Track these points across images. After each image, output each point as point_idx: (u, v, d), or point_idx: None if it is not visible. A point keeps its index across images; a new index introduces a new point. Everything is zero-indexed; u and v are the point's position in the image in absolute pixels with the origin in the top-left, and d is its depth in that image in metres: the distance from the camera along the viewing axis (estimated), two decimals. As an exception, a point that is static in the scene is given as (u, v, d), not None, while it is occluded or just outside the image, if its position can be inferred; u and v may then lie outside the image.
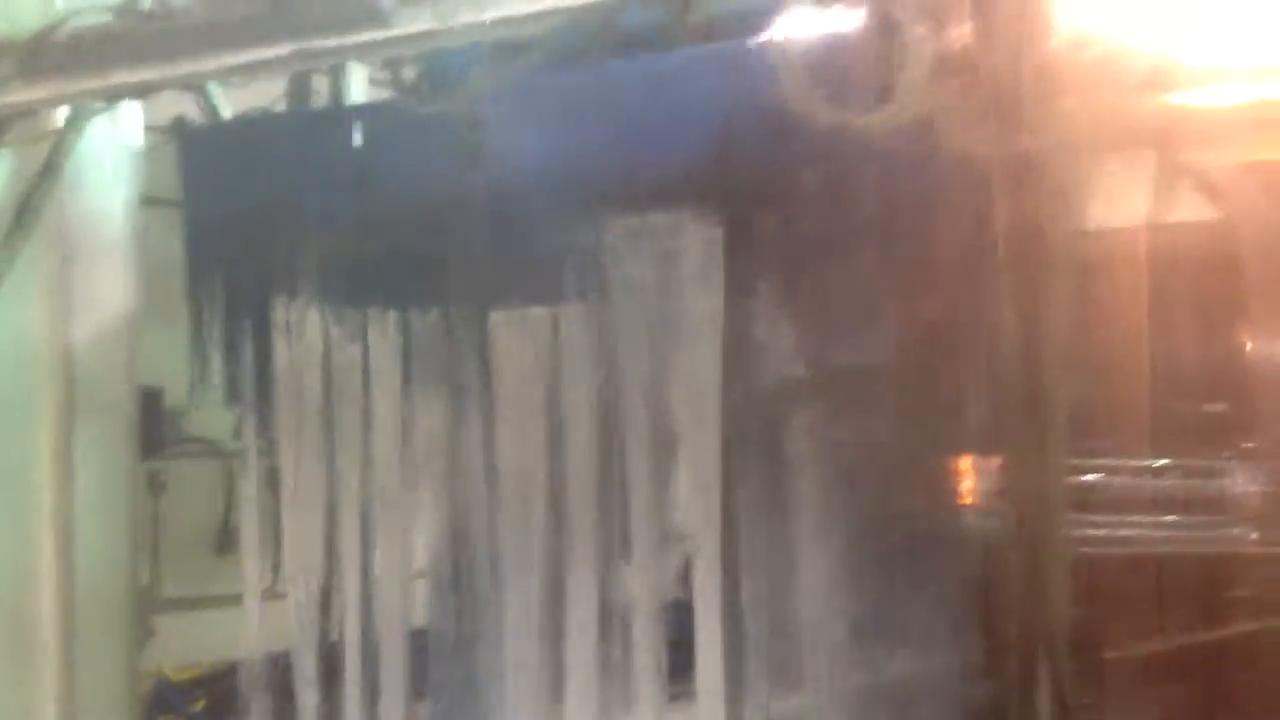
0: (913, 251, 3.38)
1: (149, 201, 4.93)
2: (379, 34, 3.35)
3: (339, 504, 4.30)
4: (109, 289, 4.78)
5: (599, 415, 3.84)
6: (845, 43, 2.91)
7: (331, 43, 3.40)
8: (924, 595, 3.67)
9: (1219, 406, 4.28)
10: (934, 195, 3.24)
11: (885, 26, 2.75)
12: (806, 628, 3.67)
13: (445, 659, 4.22)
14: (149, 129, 4.92)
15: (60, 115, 4.51)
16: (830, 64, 2.93)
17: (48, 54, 3.91)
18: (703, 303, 3.62)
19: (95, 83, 3.83)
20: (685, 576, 3.85)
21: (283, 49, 3.46)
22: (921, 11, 2.68)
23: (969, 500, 3.80)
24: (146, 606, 5.09)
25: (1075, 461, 3.69)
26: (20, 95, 3.99)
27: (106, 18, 4.00)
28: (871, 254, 3.42)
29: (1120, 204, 3.45)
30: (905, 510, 3.74)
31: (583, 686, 3.88)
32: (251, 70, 3.62)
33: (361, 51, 3.49)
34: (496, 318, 3.92)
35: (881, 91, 2.84)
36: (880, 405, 3.59)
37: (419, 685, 4.19)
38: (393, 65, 4.27)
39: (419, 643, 4.26)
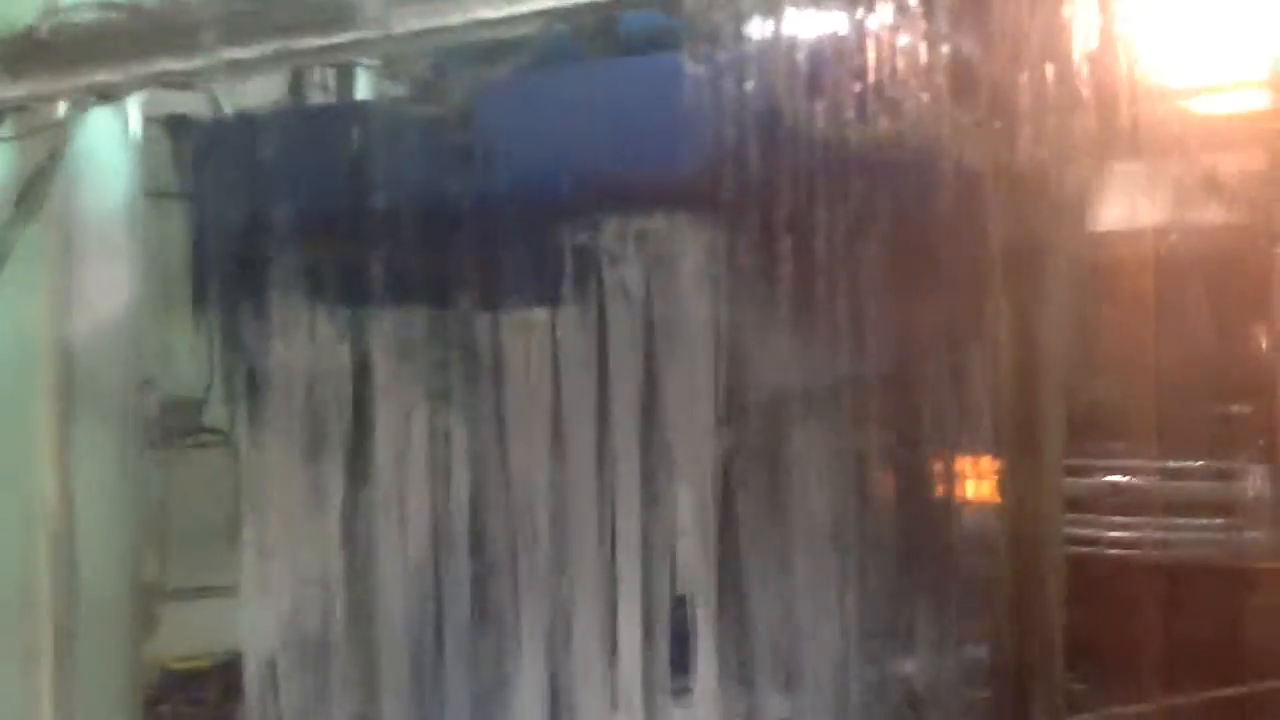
0: (911, 258, 3.33)
1: (148, 194, 4.91)
2: (365, 34, 3.31)
3: (330, 500, 4.31)
4: (112, 281, 4.77)
5: (596, 419, 3.81)
6: (842, 49, 2.85)
7: (314, 42, 3.36)
8: (922, 597, 3.66)
9: (1234, 408, 4.22)
10: (932, 202, 3.19)
11: (884, 34, 2.68)
12: (802, 629, 3.65)
13: (434, 658, 4.23)
14: (152, 121, 4.91)
15: (61, 108, 4.50)
16: (828, 70, 2.88)
17: (35, 50, 3.89)
18: (698, 307, 3.58)
19: (82, 79, 3.81)
20: (683, 579, 3.85)
21: (266, 48, 3.43)
22: (920, 20, 2.62)
23: (968, 504, 3.77)
24: (153, 597, 5.10)
25: (1082, 463, 3.66)
26: (9, 91, 3.97)
27: (93, 14, 3.98)
28: (870, 261, 3.37)
29: (1125, 210, 3.39)
30: (904, 514, 3.72)
31: (579, 686, 3.87)
32: (235, 70, 3.59)
33: (345, 52, 3.44)
34: (490, 320, 3.89)
35: (880, 99, 2.78)
36: (878, 411, 3.56)
37: (406, 683, 4.19)
38: (396, 65, 4.23)
39: (409, 640, 4.26)
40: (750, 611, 3.71)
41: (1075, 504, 3.56)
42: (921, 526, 3.70)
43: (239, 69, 3.64)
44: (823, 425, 3.56)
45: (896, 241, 3.35)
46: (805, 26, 3.06)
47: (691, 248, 3.60)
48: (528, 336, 3.91)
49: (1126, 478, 3.80)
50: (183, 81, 3.89)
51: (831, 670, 3.64)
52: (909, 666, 3.77)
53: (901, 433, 3.63)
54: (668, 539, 3.82)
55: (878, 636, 3.69)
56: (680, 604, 3.83)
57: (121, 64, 3.76)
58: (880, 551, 3.67)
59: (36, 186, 4.51)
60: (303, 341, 4.31)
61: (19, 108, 4.15)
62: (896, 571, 3.72)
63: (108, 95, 4.05)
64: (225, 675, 5.45)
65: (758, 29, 3.29)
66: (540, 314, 3.89)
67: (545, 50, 3.53)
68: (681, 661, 3.81)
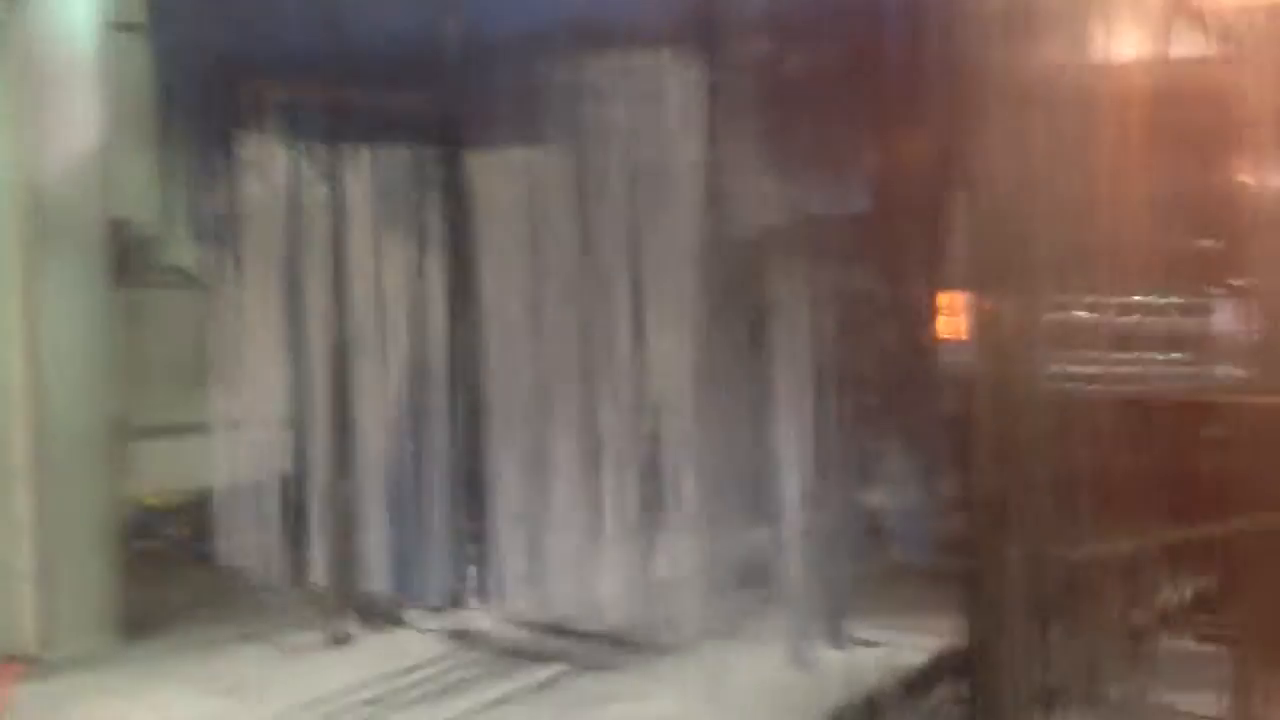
0: (891, 92, 3.28)
1: (113, 29, 4.77)
2: None
3: (304, 342, 4.29)
4: (79, 115, 4.65)
5: (578, 257, 3.79)
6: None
7: None
8: (900, 434, 3.69)
9: (1210, 243, 4.22)
10: (913, 37, 3.13)
11: None
12: (779, 466, 3.69)
13: (410, 497, 4.27)
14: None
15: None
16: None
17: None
18: (682, 148, 3.54)
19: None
20: (662, 416, 3.87)
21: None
22: None
23: (947, 340, 3.77)
24: (124, 434, 5.09)
25: (1061, 299, 3.67)
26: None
27: None
28: (864, 105, 3.32)
29: (1101, 42, 3.34)
30: (884, 351, 3.73)
31: (565, 523, 3.91)
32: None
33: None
34: (473, 159, 3.84)
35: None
36: (857, 247, 3.55)
37: (386, 521, 4.23)
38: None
39: (387, 479, 4.30)
40: (726, 445, 3.74)
41: (1049, 340, 3.55)
42: (899, 361, 3.71)
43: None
44: (803, 262, 3.54)
45: (876, 76, 3.30)
46: None
47: (675, 84, 3.54)
48: (510, 177, 3.85)
49: (1098, 314, 3.81)
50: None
51: (803, 502, 3.69)
52: (884, 499, 3.83)
53: (880, 269, 3.62)
54: (647, 376, 3.83)
55: (853, 468, 3.72)
56: (658, 440, 3.86)
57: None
58: (857, 386, 3.69)
59: (4, 18, 4.37)
60: (273, 181, 4.25)
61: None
62: (874, 406, 3.75)
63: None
64: (198, 511, 5.49)
65: None
66: (523, 154, 3.82)
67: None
68: (659, 496, 3.86)
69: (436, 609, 4.37)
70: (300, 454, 4.44)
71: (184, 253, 5.11)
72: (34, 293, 4.56)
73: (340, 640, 4.42)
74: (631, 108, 3.61)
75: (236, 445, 4.46)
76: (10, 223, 4.55)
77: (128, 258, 5.29)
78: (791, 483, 3.70)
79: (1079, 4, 3.35)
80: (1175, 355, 4.05)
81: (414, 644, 4.37)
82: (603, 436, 3.89)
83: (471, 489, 4.17)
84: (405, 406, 4.14)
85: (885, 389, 3.76)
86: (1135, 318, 3.96)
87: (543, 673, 4.04)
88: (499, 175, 3.90)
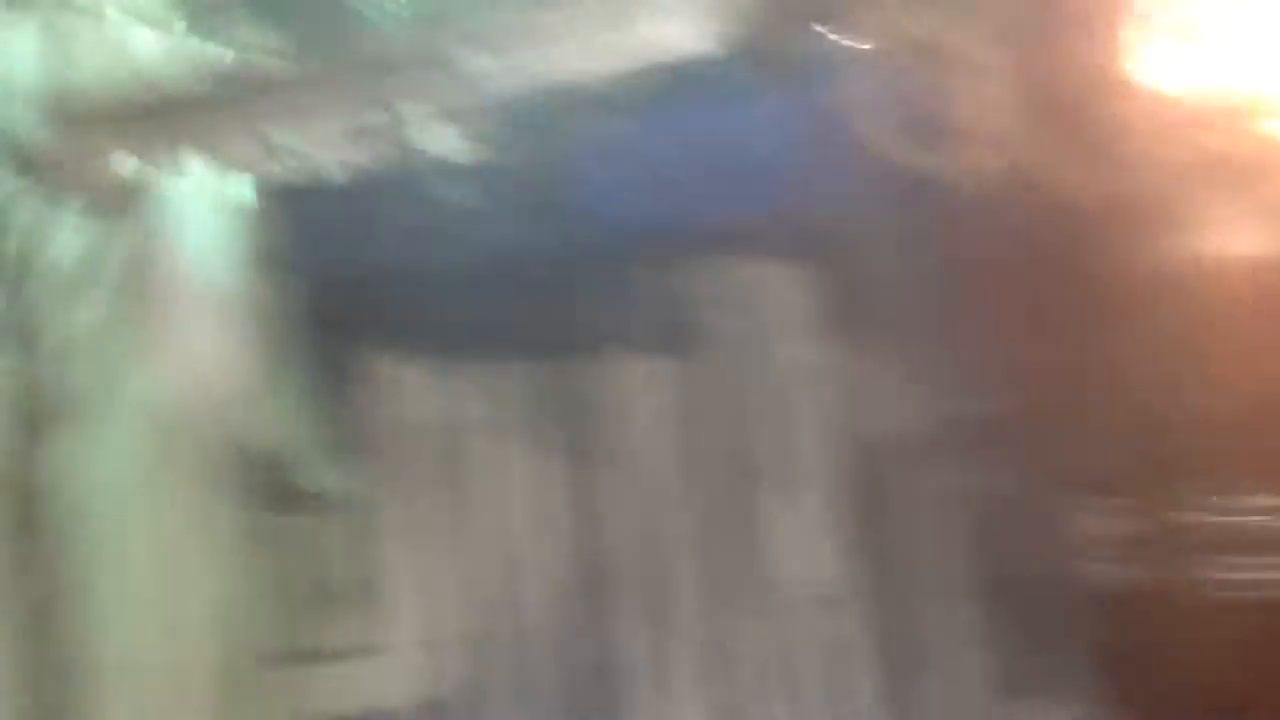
0: (1021, 296, 3.25)
1: (253, 258, 4.98)
2: (456, 87, 3.33)
3: (443, 561, 4.31)
4: (220, 346, 4.82)
5: (703, 472, 3.80)
6: (926, 85, 2.79)
7: (406, 98, 3.39)
8: (1056, 647, 3.57)
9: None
10: (1040, 237, 3.11)
11: (966, 68, 2.63)
12: (923, 675, 3.56)
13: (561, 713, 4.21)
14: (246, 188, 4.99)
15: (155, 172, 4.59)
16: (912, 107, 2.83)
17: (135, 118, 3.99)
18: (801, 354, 3.55)
19: (186, 144, 3.90)
20: (798, 633, 3.79)
21: (359, 104, 3.46)
22: (1004, 52, 2.56)
23: (1103, 549, 3.66)
24: (260, 661, 5.11)
25: (1219, 502, 3.55)
26: (131, 161, 4.08)
27: (191, 80, 4.07)
28: (982, 297, 3.31)
29: (1238, 238, 3.29)
30: (1029, 560, 3.62)
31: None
32: (329, 126, 3.63)
33: (437, 105, 3.46)
34: (587, 371, 3.87)
35: (964, 134, 2.72)
36: (989, 453, 3.48)
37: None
38: (472, 119, 4.27)
39: (527, 702, 4.24)
40: (866, 657, 3.64)
41: (1206, 546, 3.44)
42: (1042, 567, 3.60)
43: (330, 126, 3.68)
44: (940, 466, 3.48)
45: (1005, 279, 3.28)
46: (899, 67, 3.02)
47: (797, 292, 3.57)
48: (629, 386, 3.90)
49: (1257, 517, 3.66)
50: (276, 144, 3.95)
51: (951, 712, 3.57)
52: (1030, 710, 3.68)
53: (1020, 475, 3.54)
54: (776, 592, 3.78)
55: (1000, 687, 3.60)
56: (798, 649, 3.78)
57: (221, 129, 3.83)
58: (1003, 600, 3.59)
59: (147, 254, 4.61)
60: (410, 401, 4.34)
61: (119, 176, 4.25)
62: (1021, 621, 3.63)
63: (211, 161, 4.14)
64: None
65: (849, 71, 3.27)
66: (638, 365, 3.87)
67: (633, 99, 3.55)
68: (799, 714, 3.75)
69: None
70: (451, 673, 4.42)
71: (325, 477, 5.21)
72: (180, 520, 4.66)
73: None
74: (746, 317, 3.63)
75: (386, 668, 4.43)
76: (156, 448, 4.70)
77: (268, 483, 5.41)
78: (935, 691, 3.57)
79: (1225, 199, 3.32)
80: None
81: None
82: (741, 648, 3.82)
83: (611, 708, 4.12)
84: (550, 622, 4.14)
85: (1029, 595, 3.64)
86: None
87: None
88: (628, 386, 3.92)
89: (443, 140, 4.53)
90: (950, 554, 3.53)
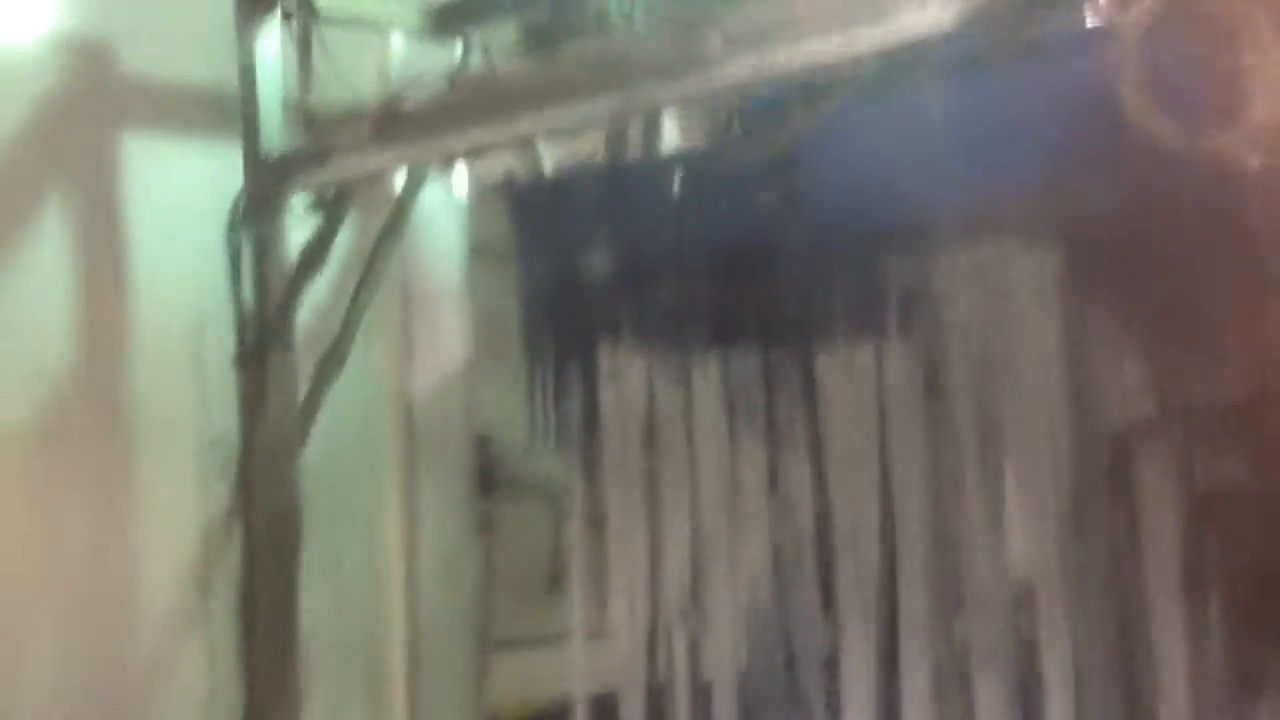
0: (1268, 279, 3.16)
1: (476, 253, 5.16)
2: (704, 80, 3.38)
3: (664, 547, 4.35)
4: (446, 338, 5.03)
5: (930, 457, 3.75)
6: (1191, 61, 2.76)
7: (658, 92, 3.46)
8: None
9: None
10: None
11: (1237, 42, 2.59)
12: (1156, 678, 3.48)
13: (772, 706, 4.21)
14: (477, 184, 5.17)
15: (399, 178, 4.79)
16: (1174, 83, 2.79)
17: (391, 121, 4.12)
18: (1038, 338, 3.49)
19: (437, 146, 4.03)
20: (1026, 623, 3.74)
21: (609, 102, 3.54)
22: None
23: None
24: (484, 645, 5.27)
25: None
26: (372, 161, 4.23)
27: (441, 85, 4.21)
28: (1223, 282, 3.21)
29: None
30: (1264, 556, 3.50)
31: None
32: (579, 125, 3.73)
33: (686, 98, 3.53)
34: (821, 359, 3.88)
35: (1233, 110, 2.68)
36: (1234, 442, 3.38)
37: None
38: (707, 113, 4.33)
39: (745, 687, 4.26)
40: (1100, 660, 3.55)
41: None
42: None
43: (582, 125, 3.78)
44: (1175, 455, 3.39)
45: (1247, 253, 3.18)
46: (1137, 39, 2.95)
47: (1026, 276, 3.52)
48: (857, 375, 3.87)
49: None
50: (523, 142, 4.07)
51: (1190, 715, 3.46)
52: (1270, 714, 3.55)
53: (1259, 462, 3.42)
54: (1008, 577, 3.72)
55: (1237, 686, 3.48)
56: (1026, 648, 3.71)
57: (467, 129, 3.95)
58: (1236, 589, 3.48)
59: (384, 249, 4.81)
60: (629, 389, 4.39)
61: (374, 175, 4.42)
62: (1255, 611, 3.51)
63: (452, 161, 4.27)
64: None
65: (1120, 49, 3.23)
66: (868, 351, 3.85)
67: (864, 83, 3.53)
68: (1028, 708, 3.69)
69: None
70: (652, 665, 4.47)
71: (541, 464, 5.35)
72: (409, 505, 4.86)
73: None
74: (982, 302, 3.59)
75: (595, 655, 4.50)
76: (389, 437, 4.90)
77: (489, 470, 5.58)
78: (1176, 694, 3.48)
79: None
80: None
81: None
82: (962, 639, 3.77)
83: (831, 696, 4.10)
84: (762, 610, 4.14)
85: (1268, 594, 3.51)
86: None
87: None
88: (845, 373, 3.90)
89: (671, 134, 4.63)
90: (1184, 545, 3.43)
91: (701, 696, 4.36)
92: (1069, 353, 3.49)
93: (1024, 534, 3.67)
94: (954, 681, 3.72)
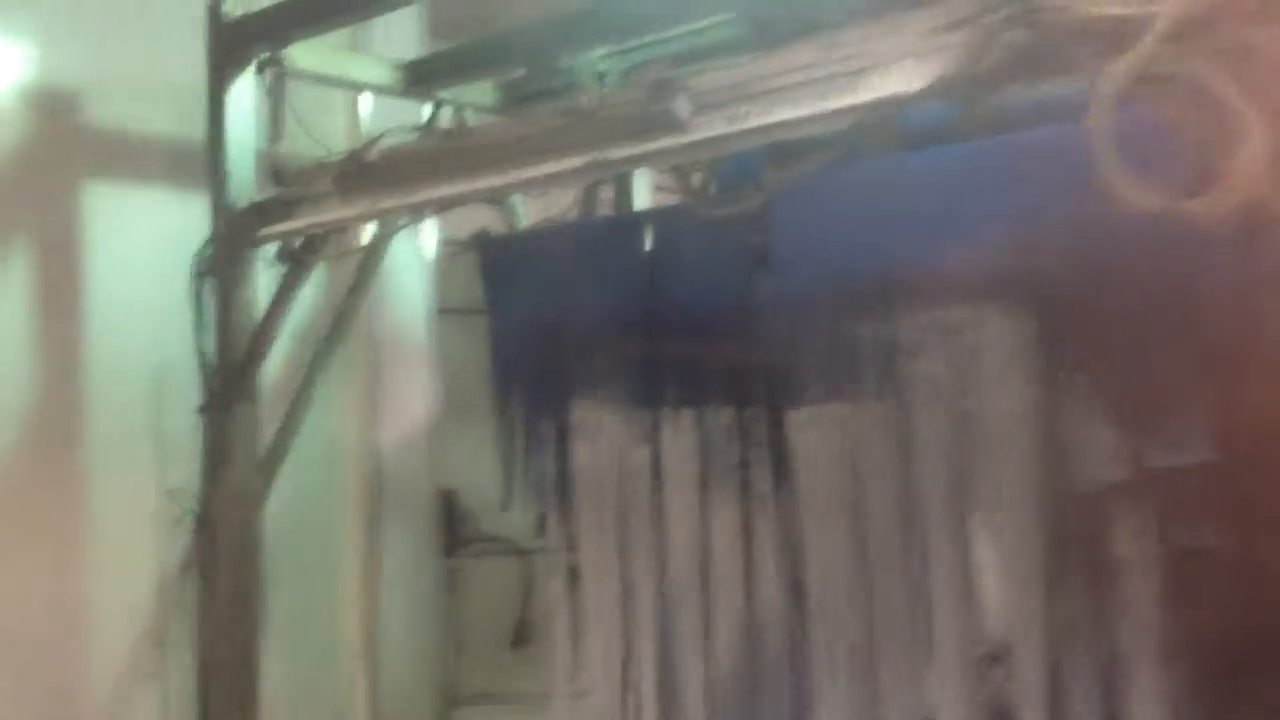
0: (1245, 344, 3.17)
1: (446, 309, 5.15)
2: (674, 141, 3.39)
3: (636, 606, 4.31)
4: (411, 394, 5.00)
5: (902, 516, 3.73)
6: (1163, 125, 2.78)
7: (625, 152, 3.45)
8: (1267, 714, 3.41)
9: None
10: (1267, 283, 3.04)
11: (1208, 108, 2.61)
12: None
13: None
14: (444, 240, 5.16)
15: (367, 231, 4.77)
16: (1147, 147, 2.80)
17: (360, 173, 4.10)
18: (1011, 400, 3.48)
19: (404, 199, 4.00)
20: (998, 684, 3.71)
21: (578, 160, 3.54)
22: (1249, 90, 2.54)
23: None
24: (448, 701, 5.22)
25: None
26: (337, 212, 4.20)
27: (410, 137, 4.19)
28: (1199, 347, 3.22)
29: None
30: (1240, 620, 3.48)
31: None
32: (548, 182, 3.72)
33: (655, 159, 3.53)
34: (790, 416, 3.86)
35: (1205, 175, 2.69)
36: (1206, 506, 3.37)
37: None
38: (679, 172, 4.33)
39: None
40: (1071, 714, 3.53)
41: None
42: (1257, 629, 3.46)
43: (550, 182, 3.77)
44: (1147, 516, 3.38)
45: (1219, 316, 3.19)
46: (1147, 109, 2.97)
47: (996, 336, 3.52)
48: (829, 433, 3.86)
49: None
50: (494, 198, 4.05)
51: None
52: None
53: (1231, 524, 3.42)
54: (984, 643, 3.70)
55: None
56: (1001, 710, 3.68)
57: (437, 183, 3.92)
58: (1215, 658, 3.45)
59: (352, 303, 4.79)
60: (601, 445, 4.37)
61: (340, 228, 4.38)
62: (1233, 677, 3.49)
63: (422, 214, 4.24)
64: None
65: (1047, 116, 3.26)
66: (840, 409, 3.84)
67: (838, 146, 3.54)
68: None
69: None
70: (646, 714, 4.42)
71: (507, 521, 5.32)
72: (373, 560, 4.82)
73: None
74: (950, 361, 3.58)
75: (563, 713, 4.45)
76: (353, 492, 4.86)
77: (455, 527, 5.54)
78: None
79: None
80: None
81: None
82: (934, 699, 3.74)
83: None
84: (733, 668, 4.10)
85: (1244, 659, 3.49)
86: None
87: None
88: (817, 431, 3.88)
89: (643, 192, 4.64)
90: (1160, 608, 3.41)
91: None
92: (1041, 414, 3.48)
93: (999, 594, 3.64)
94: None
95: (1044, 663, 3.48)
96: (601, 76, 4.05)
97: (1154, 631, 3.37)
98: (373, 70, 4.66)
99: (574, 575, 4.37)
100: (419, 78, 4.63)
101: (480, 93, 4.54)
